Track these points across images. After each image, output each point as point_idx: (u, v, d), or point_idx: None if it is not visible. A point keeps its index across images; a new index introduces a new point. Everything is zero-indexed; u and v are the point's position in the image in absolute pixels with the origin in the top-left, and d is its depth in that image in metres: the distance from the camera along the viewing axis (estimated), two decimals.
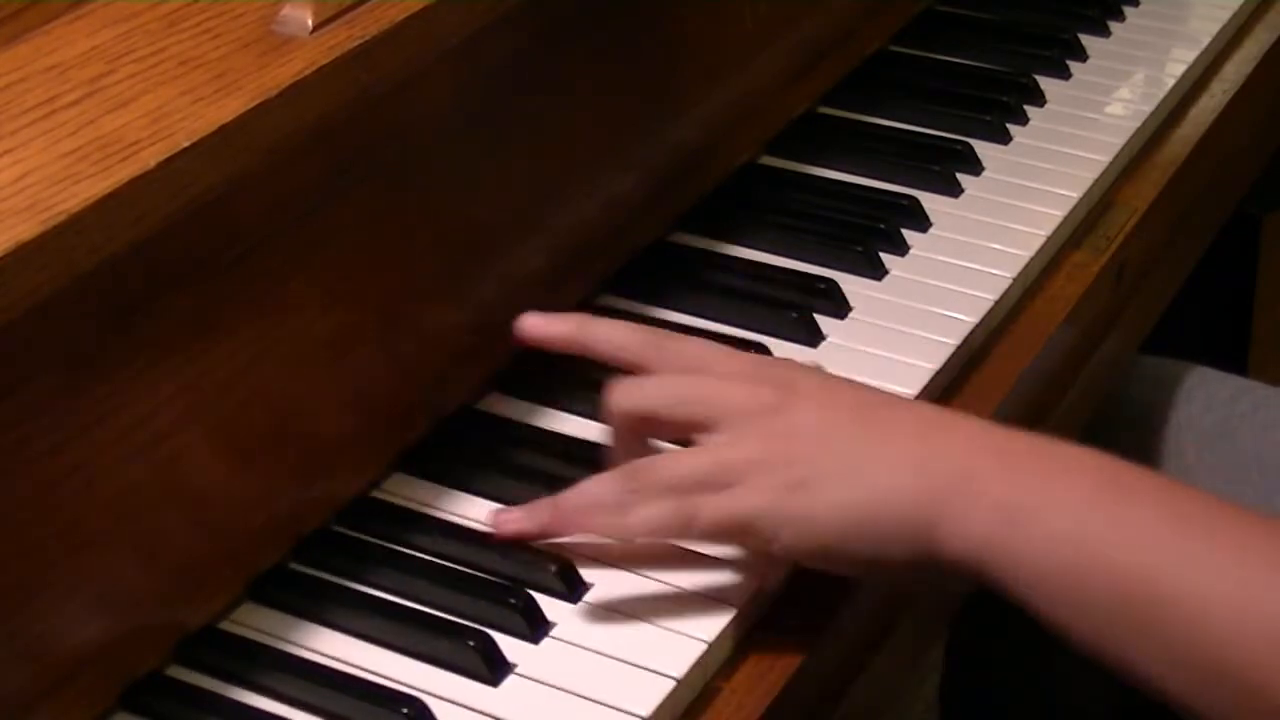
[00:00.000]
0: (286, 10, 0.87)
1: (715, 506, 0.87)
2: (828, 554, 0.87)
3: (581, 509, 0.90)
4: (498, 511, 0.93)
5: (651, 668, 0.87)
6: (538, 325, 0.95)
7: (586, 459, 0.99)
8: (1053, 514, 0.83)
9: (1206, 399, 1.25)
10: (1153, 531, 0.82)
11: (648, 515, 0.88)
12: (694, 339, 0.96)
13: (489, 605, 0.90)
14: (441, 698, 0.86)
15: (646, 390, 0.91)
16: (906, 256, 1.17)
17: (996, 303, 1.12)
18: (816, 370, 0.95)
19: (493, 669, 0.87)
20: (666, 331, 0.96)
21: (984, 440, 0.87)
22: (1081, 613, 0.83)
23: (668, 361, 0.92)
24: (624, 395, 0.91)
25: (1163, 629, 0.80)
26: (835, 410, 0.89)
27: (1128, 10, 1.45)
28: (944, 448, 0.86)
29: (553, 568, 0.91)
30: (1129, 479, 0.85)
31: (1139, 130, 1.29)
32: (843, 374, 1.04)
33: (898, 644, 0.99)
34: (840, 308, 1.11)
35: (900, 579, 0.90)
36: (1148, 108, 1.31)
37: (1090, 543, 0.82)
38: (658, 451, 0.92)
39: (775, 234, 1.18)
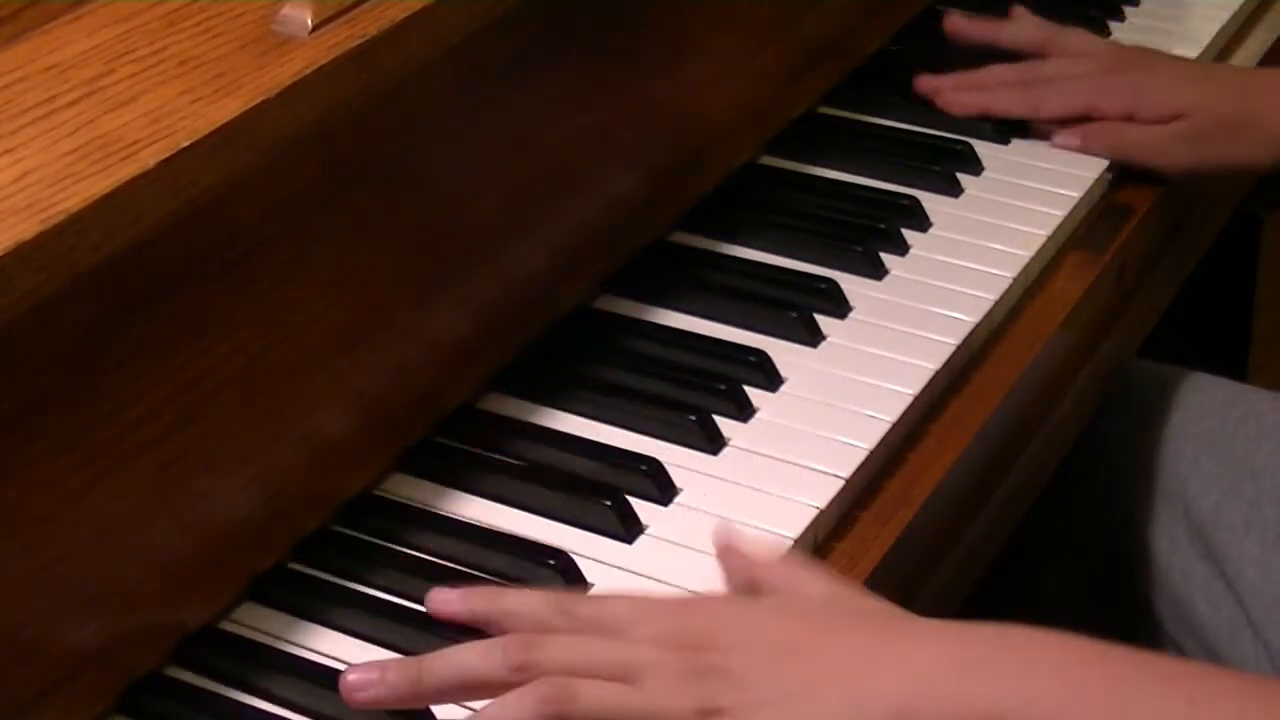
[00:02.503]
0: (286, 10, 0.87)
1: (596, 697, 0.79)
2: None
3: (451, 678, 0.82)
4: (347, 671, 0.83)
5: None
6: (446, 600, 0.86)
7: (586, 458, 0.99)
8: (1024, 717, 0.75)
9: (1200, 405, 1.25)
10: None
11: (520, 708, 0.79)
12: (611, 599, 0.86)
13: None
14: None
15: (550, 652, 0.81)
16: (906, 256, 1.17)
17: (996, 303, 1.12)
18: (737, 607, 0.85)
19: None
20: (580, 596, 0.87)
21: (927, 655, 0.78)
22: None
23: (580, 626, 0.82)
24: (526, 654, 0.80)
25: None
26: (764, 659, 0.79)
27: (1128, 10, 1.45)
28: (886, 673, 0.78)
29: (553, 566, 0.91)
30: (1109, 669, 0.77)
31: None
32: (842, 374, 1.05)
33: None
34: (840, 308, 1.11)
35: None
36: None
37: None
38: None
39: (775, 234, 1.18)
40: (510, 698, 0.79)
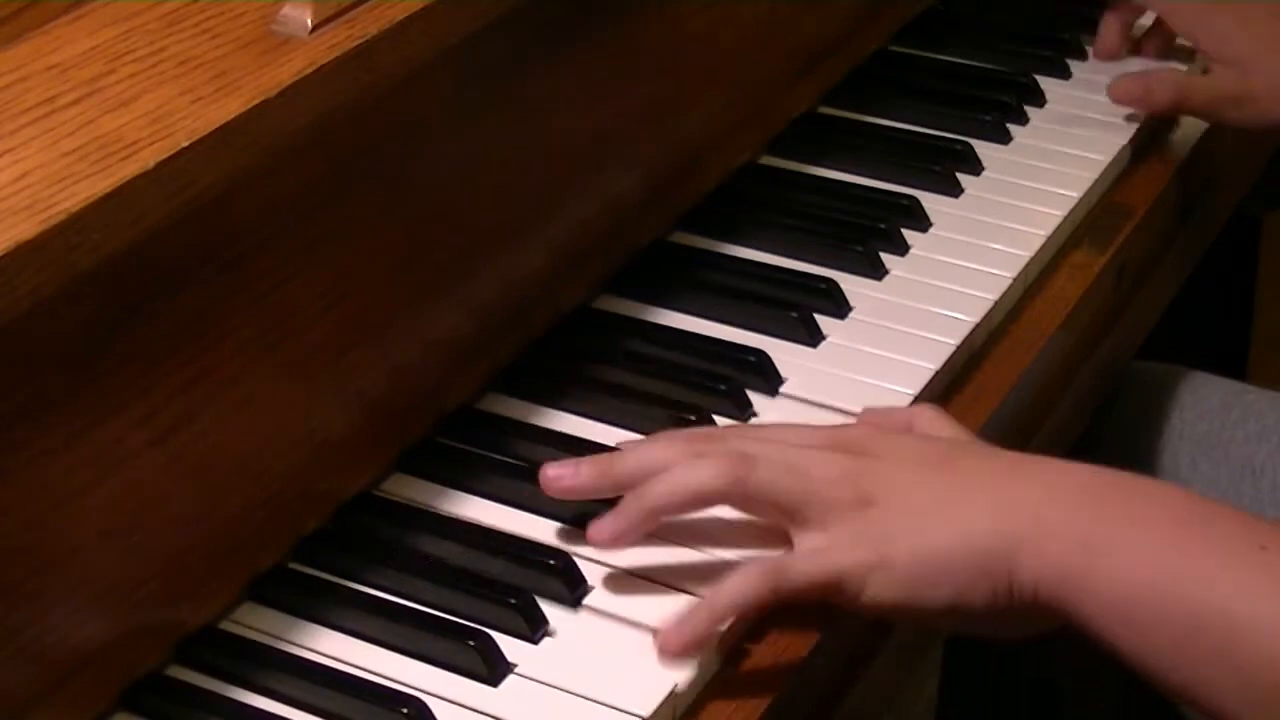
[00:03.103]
0: (286, 10, 0.87)
1: (803, 568, 0.88)
2: (911, 602, 0.88)
3: (639, 469, 0.91)
4: (547, 466, 0.93)
5: (651, 668, 0.87)
6: (559, 476, 0.93)
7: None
8: (1128, 548, 0.84)
9: (1198, 406, 1.25)
10: (1229, 565, 0.82)
11: (736, 585, 0.87)
12: (772, 425, 0.98)
13: (489, 605, 0.90)
14: (441, 698, 0.86)
15: (731, 444, 0.91)
16: (906, 256, 1.17)
17: (996, 303, 1.12)
18: (889, 433, 0.94)
19: (493, 669, 0.87)
20: (743, 441, 0.93)
21: (1061, 478, 0.88)
22: (1156, 646, 0.83)
23: (754, 483, 0.90)
24: (707, 444, 0.91)
25: (1238, 661, 0.80)
26: (912, 466, 0.90)
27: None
28: (1021, 489, 0.88)
29: (553, 567, 0.91)
30: (1206, 513, 0.86)
31: (1139, 130, 1.29)
32: (842, 374, 1.05)
33: (897, 645, 0.99)
34: (840, 308, 1.11)
35: (982, 624, 0.89)
36: None
37: (1165, 577, 0.82)
38: None
39: (775, 234, 1.18)
40: (700, 462, 0.89)
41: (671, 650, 0.87)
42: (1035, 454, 0.94)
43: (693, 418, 1.01)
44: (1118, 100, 1.28)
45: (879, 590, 0.87)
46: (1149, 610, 0.83)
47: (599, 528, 0.91)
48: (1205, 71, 1.31)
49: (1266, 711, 0.81)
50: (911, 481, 0.89)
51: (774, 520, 0.90)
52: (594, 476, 0.92)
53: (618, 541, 0.91)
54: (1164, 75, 1.30)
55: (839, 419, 1.01)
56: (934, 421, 0.96)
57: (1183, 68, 1.34)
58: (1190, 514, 0.85)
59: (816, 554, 0.88)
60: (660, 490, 0.90)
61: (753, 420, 1.03)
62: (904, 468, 0.90)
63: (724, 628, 0.88)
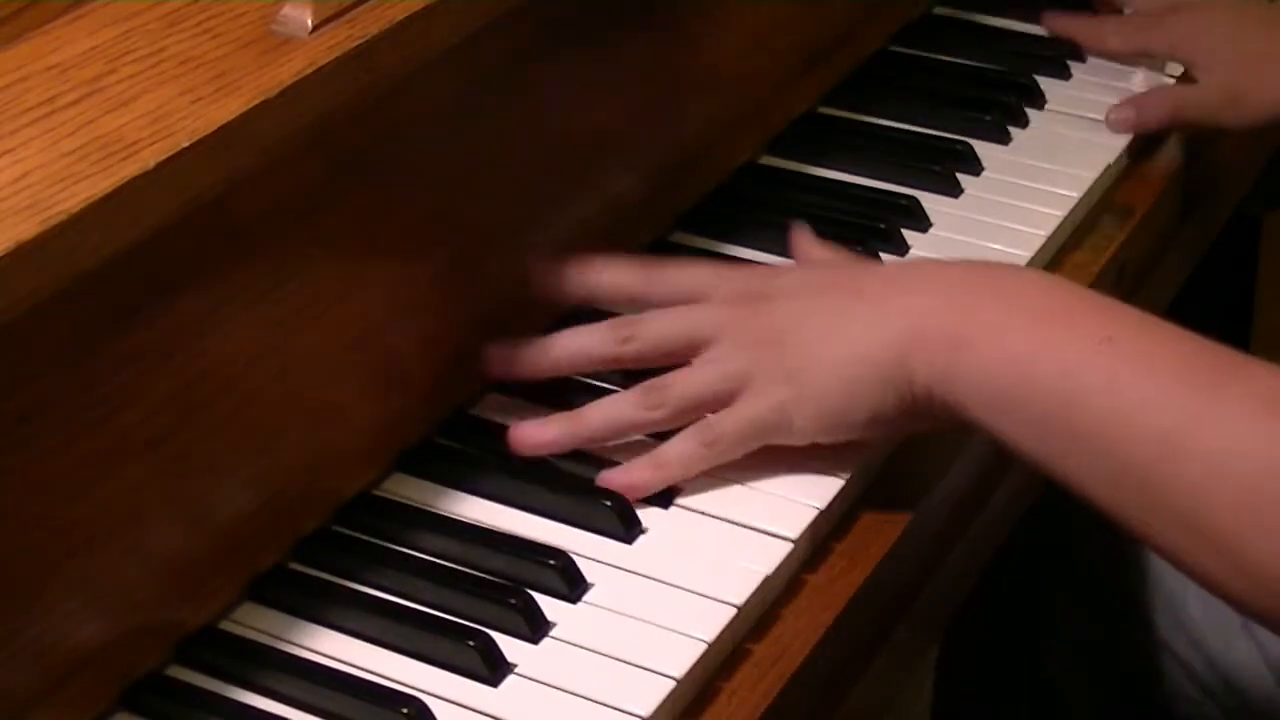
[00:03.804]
0: (286, 10, 0.87)
1: (732, 422, 0.95)
2: (837, 423, 0.95)
3: (604, 424, 0.98)
4: (514, 426, 0.98)
5: (651, 668, 0.87)
6: (549, 285, 1.03)
7: (586, 458, 0.99)
8: (989, 341, 0.90)
9: None
10: (1077, 351, 0.88)
11: (679, 454, 0.95)
12: (683, 268, 1.03)
13: (489, 605, 0.90)
14: (441, 698, 0.86)
15: (646, 333, 0.99)
16: (906, 256, 1.17)
17: None
18: (785, 267, 1.06)
19: (493, 669, 0.87)
20: (658, 264, 1.03)
21: (934, 280, 0.95)
22: (1020, 433, 0.90)
23: (663, 296, 1.01)
24: (628, 339, 0.99)
25: (1089, 438, 0.87)
26: (809, 297, 0.97)
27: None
28: (900, 297, 0.95)
29: (553, 566, 0.91)
30: (1064, 302, 0.92)
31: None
32: None
33: (896, 646, 0.99)
34: None
35: (906, 427, 0.96)
36: None
37: (1019, 367, 0.89)
38: None
39: (775, 234, 1.18)
40: (612, 399, 0.98)
41: (523, 441, 0.98)
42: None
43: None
44: (1114, 129, 1.28)
45: (805, 422, 0.95)
46: (1010, 399, 0.89)
47: (524, 433, 0.98)
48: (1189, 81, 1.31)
49: (1117, 489, 0.87)
50: (804, 312, 0.96)
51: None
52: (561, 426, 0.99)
53: (546, 436, 0.98)
54: (1154, 94, 1.30)
55: None
56: (813, 248, 1.05)
57: (1170, 79, 1.34)
58: (1048, 303, 0.92)
59: (737, 410, 0.95)
60: (555, 352, 1.00)
61: None
62: (794, 301, 0.97)
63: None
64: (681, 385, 0.97)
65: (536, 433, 0.98)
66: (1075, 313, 0.91)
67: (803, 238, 1.07)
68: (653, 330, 0.99)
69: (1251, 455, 0.83)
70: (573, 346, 1.01)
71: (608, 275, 1.03)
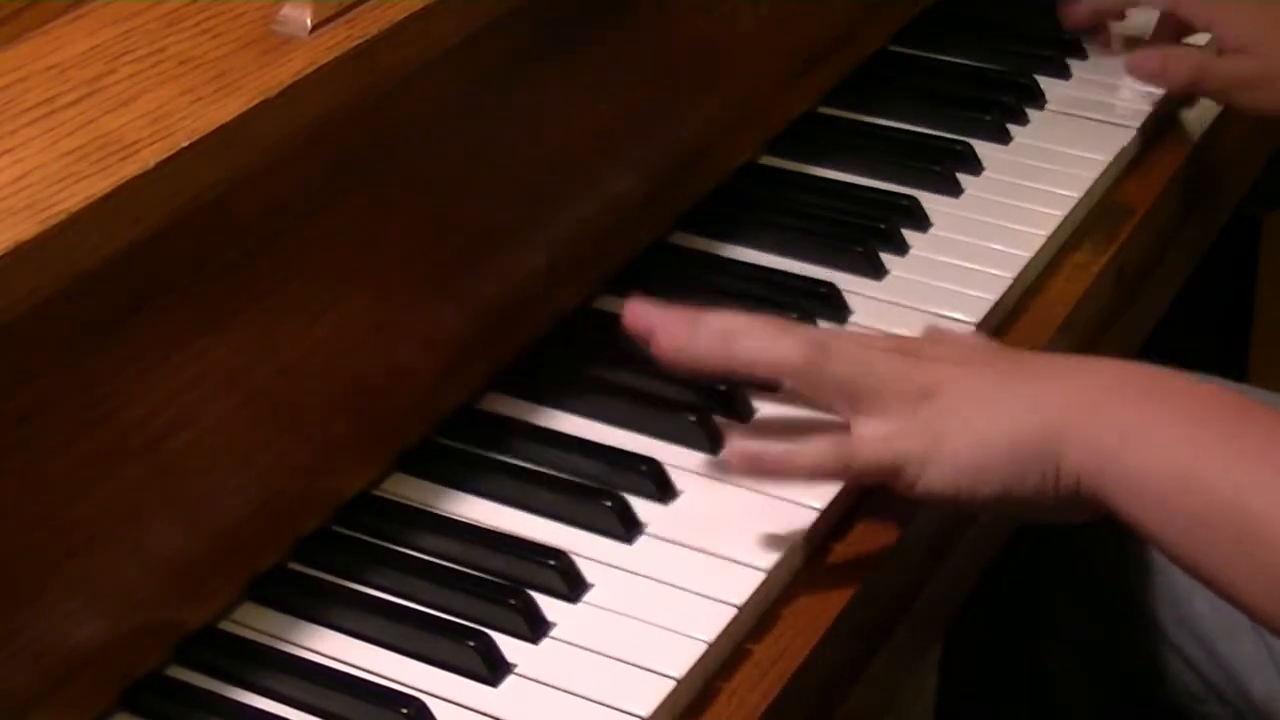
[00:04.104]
0: (286, 10, 0.87)
1: (871, 450, 0.93)
2: (963, 491, 0.92)
3: (751, 352, 0.95)
4: (660, 326, 0.96)
5: (651, 668, 0.87)
6: (675, 340, 0.96)
7: (586, 458, 0.99)
8: (1154, 440, 0.88)
9: None
10: (1253, 454, 0.86)
11: (812, 455, 0.94)
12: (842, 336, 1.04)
13: (489, 605, 0.90)
14: (441, 698, 0.86)
15: (836, 365, 0.95)
16: (906, 256, 1.17)
17: (997, 303, 1.12)
18: (945, 334, 1.02)
19: (493, 669, 0.87)
20: (820, 333, 1.03)
21: (1101, 375, 0.93)
22: (1177, 533, 0.87)
23: (826, 370, 0.95)
24: (818, 363, 0.95)
25: (1248, 549, 0.84)
26: (965, 364, 0.95)
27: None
28: (1064, 382, 0.93)
29: (553, 567, 0.91)
30: (1232, 408, 0.90)
31: (1139, 129, 1.29)
32: None
33: (896, 646, 0.99)
34: (840, 309, 1.11)
35: (1029, 511, 0.94)
36: (1148, 107, 1.31)
37: (1190, 463, 0.87)
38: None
39: (775, 234, 1.18)
40: (784, 336, 0.95)
41: (734, 459, 0.95)
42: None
43: (692, 418, 1.01)
44: (1135, 75, 1.29)
45: (934, 479, 0.92)
46: (1169, 503, 0.87)
47: (732, 449, 0.97)
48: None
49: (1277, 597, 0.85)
50: (964, 376, 0.94)
51: (837, 407, 0.95)
52: (709, 341, 0.95)
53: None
54: (1182, 52, 1.30)
55: None
56: (982, 339, 1.04)
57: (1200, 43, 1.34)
58: (1217, 408, 0.89)
59: (879, 440, 0.93)
60: (748, 346, 0.95)
61: (753, 420, 1.03)
62: (957, 365, 0.95)
63: (774, 480, 0.96)
64: (839, 361, 0.95)
65: (681, 334, 0.96)
66: (1238, 421, 0.89)
67: (973, 336, 1.06)
68: (842, 366, 0.95)
69: None
70: (757, 347, 0.95)
71: (764, 346, 0.97)
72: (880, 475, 0.94)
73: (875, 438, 0.93)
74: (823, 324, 1.10)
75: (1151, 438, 0.88)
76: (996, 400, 0.93)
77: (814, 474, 0.95)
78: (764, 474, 0.96)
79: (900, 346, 0.98)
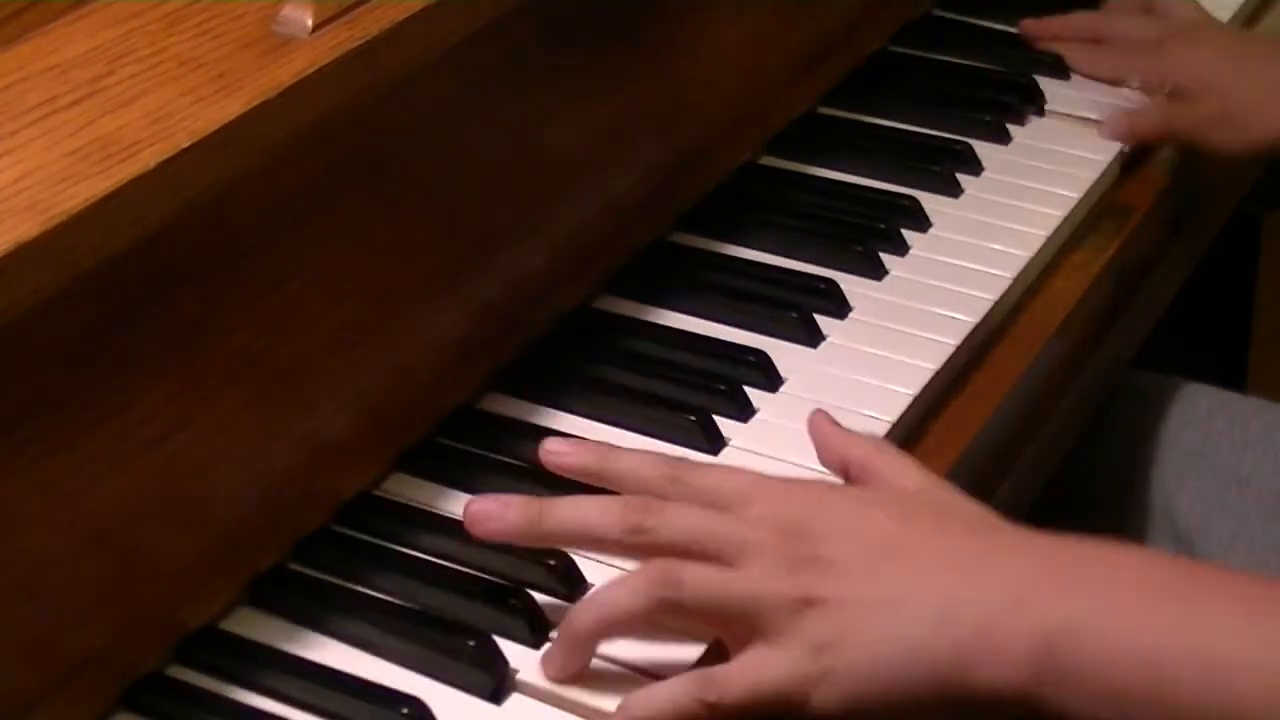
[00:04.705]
0: (286, 10, 0.87)
1: (742, 685, 0.82)
2: (861, 711, 0.82)
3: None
4: (472, 500, 0.88)
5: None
6: (559, 452, 0.90)
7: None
8: (1101, 631, 0.79)
9: (1185, 416, 1.25)
10: (1223, 633, 0.78)
11: (669, 697, 0.83)
12: (724, 470, 0.90)
13: (489, 607, 0.90)
14: (442, 699, 0.86)
15: (666, 531, 0.85)
16: (906, 256, 1.17)
17: (996, 303, 1.12)
18: (842, 496, 0.89)
19: (493, 672, 0.87)
20: (694, 465, 0.90)
21: (1009, 569, 0.82)
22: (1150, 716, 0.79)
23: (685, 496, 0.87)
24: (642, 531, 0.85)
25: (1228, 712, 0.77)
26: (856, 556, 0.83)
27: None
28: (970, 588, 0.82)
29: (553, 568, 0.91)
30: (1165, 573, 0.82)
31: None
32: (843, 374, 1.05)
33: None
34: (840, 308, 1.11)
35: None
36: None
37: (1143, 652, 0.78)
38: None
39: (775, 234, 1.18)
40: (623, 582, 0.84)
41: (477, 523, 0.87)
42: (1003, 514, 0.88)
43: (692, 418, 1.01)
44: (1106, 138, 1.28)
45: (825, 704, 0.82)
46: (1137, 693, 0.78)
47: (548, 662, 0.86)
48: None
49: None
50: (855, 578, 0.82)
51: (709, 629, 0.85)
52: (521, 523, 0.87)
53: (566, 672, 0.85)
54: (1146, 107, 1.30)
55: (839, 418, 1.00)
56: (898, 469, 0.90)
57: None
58: (1149, 580, 0.81)
59: (750, 671, 0.82)
60: (587, 620, 0.84)
61: (753, 421, 1.03)
62: (847, 558, 0.83)
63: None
64: (678, 521, 0.85)
65: (494, 511, 0.87)
66: (1180, 586, 0.81)
67: (882, 459, 0.91)
68: (674, 529, 0.85)
69: None
70: (574, 519, 0.86)
71: (627, 462, 0.89)
72: (758, 709, 0.82)
73: (745, 666, 0.82)
74: (822, 321, 1.09)
75: (1084, 638, 0.79)
76: (888, 616, 0.81)
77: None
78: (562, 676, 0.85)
79: (780, 521, 0.84)
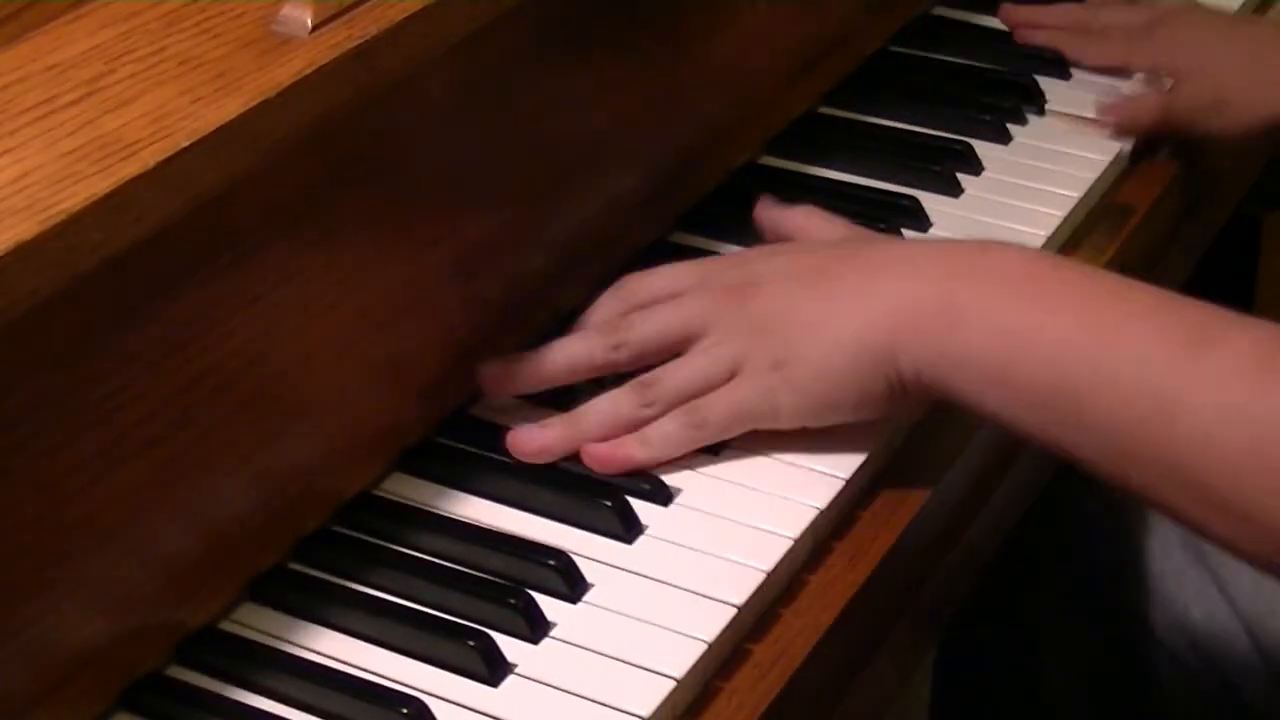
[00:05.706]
0: (286, 10, 0.87)
1: (718, 408, 0.97)
2: (823, 408, 0.97)
3: (601, 425, 0.98)
4: (513, 432, 0.98)
5: (652, 668, 0.87)
6: (506, 379, 1.03)
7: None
8: (977, 318, 0.92)
9: None
10: (1065, 323, 0.90)
11: (665, 435, 0.97)
12: (656, 275, 1.04)
13: (489, 605, 0.90)
14: (441, 698, 0.86)
15: (637, 336, 1.00)
16: None
17: None
18: (768, 251, 1.04)
19: (492, 669, 0.87)
20: (632, 283, 1.04)
21: (924, 261, 0.97)
22: (1015, 407, 0.91)
23: (646, 302, 1.01)
24: (620, 345, 1.00)
25: (1095, 421, 0.88)
26: (795, 284, 0.98)
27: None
28: (891, 281, 0.96)
29: (553, 566, 0.91)
30: (1053, 272, 0.94)
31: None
32: None
33: (896, 646, 0.99)
34: None
35: (894, 410, 0.98)
36: None
37: (1009, 339, 0.91)
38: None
39: None
40: (577, 338, 1.02)
41: (523, 448, 0.98)
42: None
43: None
44: (1107, 133, 1.28)
45: (792, 407, 0.96)
46: (1001, 375, 0.91)
47: (524, 439, 0.99)
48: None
49: (1116, 456, 0.88)
50: (790, 299, 0.97)
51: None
52: (524, 388, 1.02)
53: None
54: (1143, 98, 1.30)
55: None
56: (823, 226, 1.06)
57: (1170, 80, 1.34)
58: (1032, 277, 0.93)
59: (723, 396, 0.97)
60: (548, 366, 1.00)
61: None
62: (780, 288, 0.98)
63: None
64: (674, 379, 0.98)
65: (535, 436, 0.98)
66: (1059, 284, 0.92)
67: (811, 220, 1.07)
68: (643, 332, 1.00)
69: (1245, 412, 0.83)
70: (564, 357, 1.01)
71: (592, 311, 1.04)
72: (738, 428, 0.97)
73: (722, 393, 0.96)
74: None
75: (971, 315, 0.92)
76: (830, 314, 0.96)
77: (661, 456, 0.97)
78: (615, 460, 0.98)
79: (719, 279, 1.01)
